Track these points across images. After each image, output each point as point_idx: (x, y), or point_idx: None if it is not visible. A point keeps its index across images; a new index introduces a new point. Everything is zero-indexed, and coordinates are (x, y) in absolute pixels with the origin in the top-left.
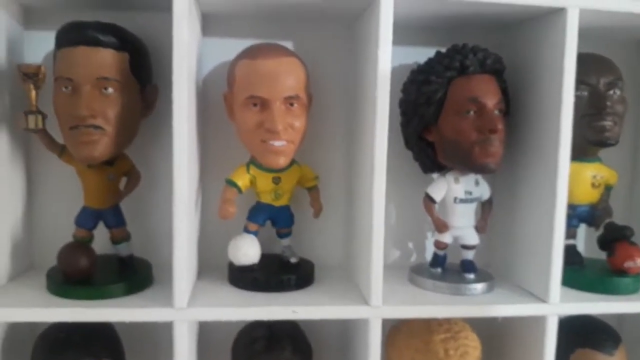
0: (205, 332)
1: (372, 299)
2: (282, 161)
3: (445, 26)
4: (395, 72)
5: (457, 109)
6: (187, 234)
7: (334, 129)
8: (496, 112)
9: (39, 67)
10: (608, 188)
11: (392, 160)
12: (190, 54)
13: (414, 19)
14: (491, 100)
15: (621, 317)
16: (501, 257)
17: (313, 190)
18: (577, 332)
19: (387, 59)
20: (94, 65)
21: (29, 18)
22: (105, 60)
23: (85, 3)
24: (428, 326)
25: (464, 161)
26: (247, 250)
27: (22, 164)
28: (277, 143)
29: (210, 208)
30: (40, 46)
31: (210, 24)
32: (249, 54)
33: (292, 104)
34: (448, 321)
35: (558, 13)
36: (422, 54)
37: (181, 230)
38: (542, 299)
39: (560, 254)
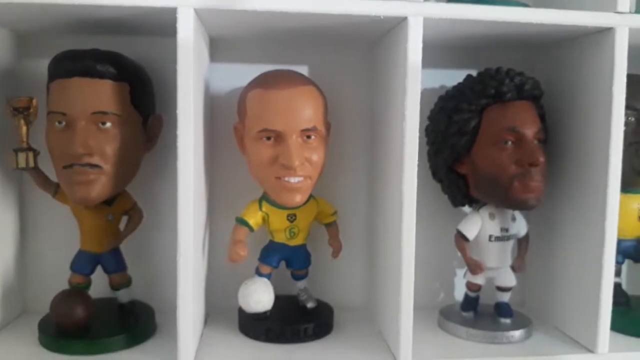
0: None
1: (401, 354)
2: (299, 199)
3: (474, 46)
4: (420, 97)
5: (494, 140)
6: (193, 282)
7: (354, 159)
8: (536, 142)
9: (30, 100)
10: None
11: (419, 192)
12: (196, 82)
13: (440, 39)
14: (531, 129)
15: None
16: (538, 297)
17: (332, 227)
18: None
19: (417, 86)
20: (89, 98)
21: (22, 45)
22: (102, 92)
23: (83, 28)
24: None
25: (502, 197)
26: (260, 297)
27: (15, 202)
28: (294, 180)
29: (219, 247)
30: (35, 76)
31: (218, 48)
32: (261, 83)
33: (309, 137)
34: None
35: (605, 32)
36: (449, 77)
37: (187, 278)
38: (588, 348)
39: (609, 297)
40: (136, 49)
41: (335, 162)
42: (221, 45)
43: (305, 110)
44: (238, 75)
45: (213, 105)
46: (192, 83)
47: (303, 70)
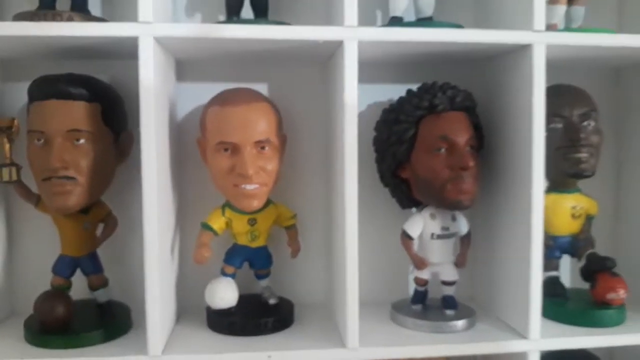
0: None
1: (348, 341)
2: (255, 204)
3: (417, 62)
4: (369, 109)
5: (428, 147)
6: (159, 281)
7: (311, 167)
8: (468, 148)
9: (12, 120)
10: (589, 218)
11: (371, 196)
12: (159, 100)
13: (382, 58)
14: (462, 137)
15: (611, 350)
16: (483, 291)
17: (291, 230)
18: None
19: (353, 101)
20: (64, 117)
21: (5, 70)
22: (76, 112)
23: (60, 55)
24: None
25: (438, 198)
26: (224, 294)
27: (3, 211)
28: (249, 187)
29: (188, 251)
30: (18, 98)
31: (184, 69)
32: (219, 100)
33: (263, 147)
34: (430, 359)
35: (524, 49)
36: (394, 91)
37: (153, 278)
38: (522, 334)
39: (538, 287)
40: (109, 71)
41: (294, 170)
42: (187, 67)
43: (258, 124)
44: (204, 93)
45: (182, 122)
46: (153, 102)
47: (263, 87)
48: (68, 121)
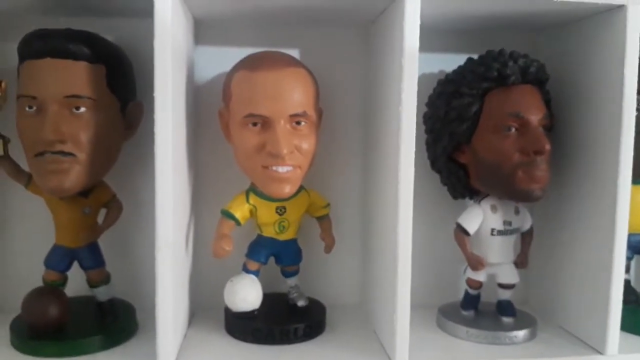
0: None
1: (396, 354)
2: (288, 190)
3: (476, 28)
4: (420, 82)
5: (495, 126)
6: (172, 278)
7: (348, 148)
8: (541, 129)
9: None
10: None
11: (417, 183)
12: (176, 66)
13: (440, 20)
14: (536, 115)
15: None
16: (542, 295)
17: (324, 221)
18: None
19: (414, 66)
20: (62, 80)
21: None
22: (76, 74)
23: (58, 9)
24: None
25: (504, 187)
26: (246, 295)
27: None
28: (282, 169)
29: (205, 243)
30: (7, 58)
31: (204, 30)
32: (248, 64)
33: (298, 123)
34: None
35: (615, 11)
36: (450, 61)
37: (166, 275)
38: (596, 349)
39: (619, 294)
40: (116, 31)
41: (327, 151)
42: (207, 28)
43: (294, 94)
44: (225, 58)
45: (198, 91)
46: (170, 66)
47: (294, 53)
48: (66, 85)
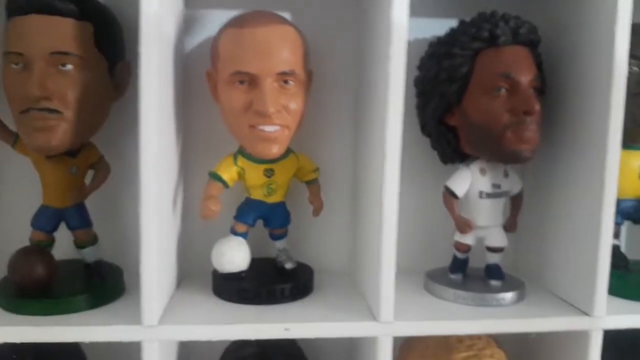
0: (186, 351)
1: (381, 314)
2: (275, 150)
3: None
4: (411, 47)
5: (486, 87)
6: (157, 239)
7: (338, 112)
8: (531, 90)
9: None
10: None
11: (405, 147)
12: (164, 27)
13: None
14: (526, 76)
15: None
16: (532, 260)
17: (313, 185)
18: (625, 348)
19: (403, 26)
20: (48, 37)
21: None
22: (62, 31)
23: None
24: (446, 343)
25: (494, 148)
26: (233, 256)
27: None
28: (269, 128)
29: (194, 205)
30: None
31: None
32: (235, 22)
33: (286, 82)
34: (470, 336)
35: None
36: (443, 26)
37: (150, 235)
38: (584, 311)
39: (607, 258)
40: None
41: (318, 115)
42: None
43: (282, 51)
44: (216, 22)
45: (188, 54)
46: (154, 27)
47: (285, 15)
48: (52, 41)
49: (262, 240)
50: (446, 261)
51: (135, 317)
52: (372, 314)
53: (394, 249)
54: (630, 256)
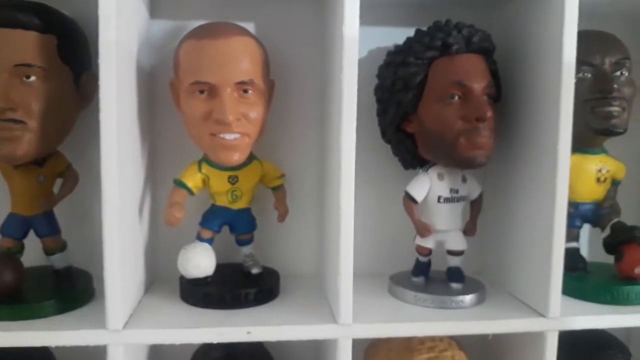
0: (156, 356)
1: (340, 316)
2: (236, 157)
3: (427, 3)
4: (372, 55)
5: (439, 95)
6: (119, 244)
7: (303, 120)
8: (485, 97)
9: None
10: (615, 183)
11: (369, 155)
12: (124, 37)
13: None
14: (479, 83)
15: (629, 330)
16: (494, 264)
17: (278, 191)
18: (581, 348)
19: (354, 35)
20: (11, 49)
21: None
22: (26, 44)
23: None
24: (408, 345)
25: (449, 154)
26: (199, 262)
27: None
28: (229, 136)
29: (162, 213)
30: None
31: (159, 3)
32: (195, 33)
33: (245, 91)
34: (432, 338)
35: None
36: (402, 35)
37: (113, 239)
38: (539, 312)
39: (560, 260)
40: (71, 4)
41: (284, 123)
42: (163, 1)
43: (240, 61)
44: (181, 32)
45: (155, 64)
46: (114, 38)
47: (249, 26)
48: (16, 54)
49: (229, 245)
50: (411, 265)
51: (101, 322)
52: (333, 317)
53: (351, 251)
54: (589, 258)
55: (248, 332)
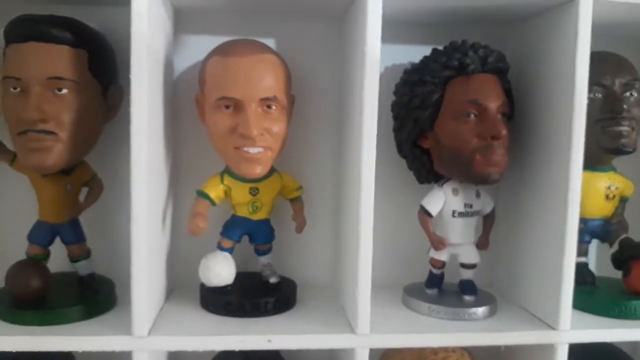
0: None
1: (358, 326)
2: (259, 170)
3: (443, 22)
4: (388, 72)
5: (456, 113)
6: (147, 253)
7: (321, 134)
8: (499, 116)
9: None
10: (623, 200)
11: (385, 168)
12: (152, 52)
13: (408, 14)
14: (494, 102)
15: (636, 344)
16: (505, 277)
17: (296, 202)
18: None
19: (376, 54)
20: (45, 63)
21: None
22: (58, 57)
23: None
24: (421, 355)
25: (464, 171)
26: (220, 271)
27: None
28: (253, 150)
29: (183, 222)
30: None
31: (184, 19)
32: (221, 50)
33: (269, 107)
34: (445, 349)
35: (569, 5)
36: (418, 53)
37: (140, 249)
38: (550, 325)
39: (571, 275)
40: (97, 18)
41: (302, 137)
42: (187, 17)
43: (265, 78)
44: (205, 47)
45: (179, 78)
46: (145, 53)
47: (270, 42)
48: (49, 67)
49: (247, 255)
50: (424, 277)
51: (126, 328)
52: (350, 327)
53: (370, 263)
54: (597, 273)
55: (269, 341)
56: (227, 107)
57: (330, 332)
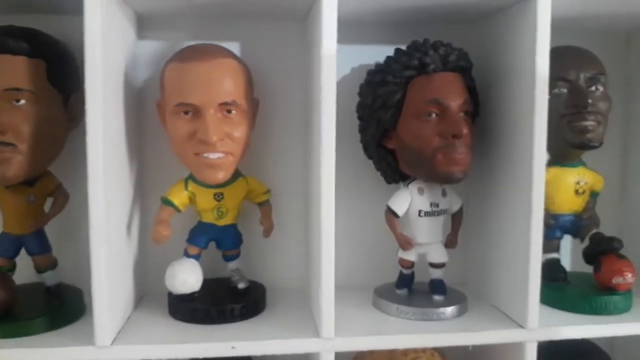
0: None
1: (322, 330)
2: (221, 176)
3: (409, 21)
4: (355, 73)
5: (417, 112)
6: (107, 261)
7: (288, 137)
8: (461, 114)
9: None
10: (594, 195)
11: (352, 170)
12: (109, 58)
13: (372, 14)
14: (455, 101)
15: (613, 340)
16: (477, 275)
17: (264, 206)
18: (565, 358)
19: (332, 55)
20: (1, 74)
21: None
22: (15, 68)
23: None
24: (391, 356)
25: (427, 170)
26: (186, 278)
27: None
28: (213, 155)
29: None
30: None
31: (147, 25)
32: (179, 56)
33: (229, 111)
34: (415, 350)
35: (527, 2)
36: (385, 53)
37: (100, 257)
38: (519, 323)
39: (537, 271)
40: (63, 28)
41: (269, 140)
42: (150, 22)
43: (223, 83)
44: (170, 52)
45: (143, 84)
46: (99, 61)
47: (235, 45)
48: (6, 79)
49: (217, 261)
50: (397, 276)
51: (90, 338)
52: (316, 331)
53: (332, 265)
54: (570, 269)
55: (232, 347)
56: (186, 112)
57: (295, 337)
